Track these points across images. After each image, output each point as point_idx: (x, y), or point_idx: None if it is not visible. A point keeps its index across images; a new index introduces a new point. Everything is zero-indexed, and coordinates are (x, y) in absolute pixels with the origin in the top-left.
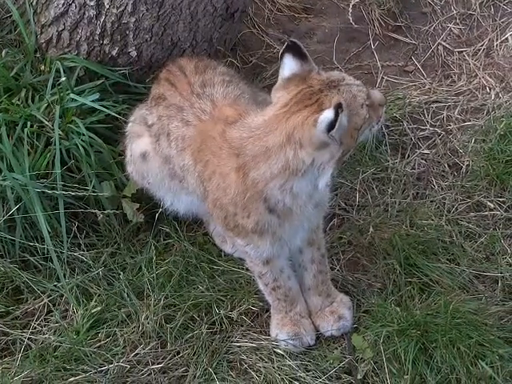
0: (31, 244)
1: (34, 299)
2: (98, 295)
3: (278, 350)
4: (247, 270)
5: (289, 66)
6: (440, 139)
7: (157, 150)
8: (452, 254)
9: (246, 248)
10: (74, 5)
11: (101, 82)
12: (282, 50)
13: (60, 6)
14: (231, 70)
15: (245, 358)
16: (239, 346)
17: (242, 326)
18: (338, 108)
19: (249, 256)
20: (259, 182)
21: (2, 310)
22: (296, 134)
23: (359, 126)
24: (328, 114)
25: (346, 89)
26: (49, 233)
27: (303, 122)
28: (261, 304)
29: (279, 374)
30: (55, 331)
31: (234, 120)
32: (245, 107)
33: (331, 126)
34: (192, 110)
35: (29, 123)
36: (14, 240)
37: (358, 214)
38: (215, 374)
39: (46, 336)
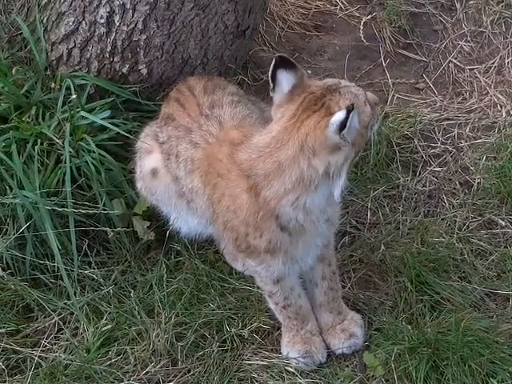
0: (41, 262)
1: (45, 317)
2: (109, 313)
3: (289, 368)
4: (258, 287)
5: (286, 80)
6: (451, 157)
7: (168, 167)
8: (463, 272)
9: (257, 268)
10: (84, 22)
11: (111, 99)
12: (271, 70)
13: (70, 23)
14: (240, 90)
15: (256, 376)
16: (250, 364)
17: (252, 344)
18: (350, 108)
19: (259, 275)
20: (271, 199)
21: (13, 328)
22: (309, 140)
23: (367, 124)
24: (339, 115)
25: (346, 90)
26: (59, 251)
27: (315, 126)
28: (272, 322)
29: None
30: (66, 349)
31: (239, 142)
32: (249, 128)
33: (343, 125)
34: (200, 132)
35: (39, 141)
36: (24, 258)
37: (369, 231)
38: None
39: (57, 354)
